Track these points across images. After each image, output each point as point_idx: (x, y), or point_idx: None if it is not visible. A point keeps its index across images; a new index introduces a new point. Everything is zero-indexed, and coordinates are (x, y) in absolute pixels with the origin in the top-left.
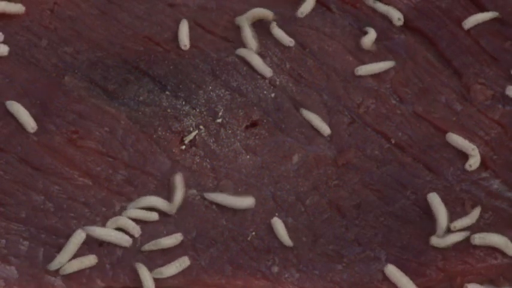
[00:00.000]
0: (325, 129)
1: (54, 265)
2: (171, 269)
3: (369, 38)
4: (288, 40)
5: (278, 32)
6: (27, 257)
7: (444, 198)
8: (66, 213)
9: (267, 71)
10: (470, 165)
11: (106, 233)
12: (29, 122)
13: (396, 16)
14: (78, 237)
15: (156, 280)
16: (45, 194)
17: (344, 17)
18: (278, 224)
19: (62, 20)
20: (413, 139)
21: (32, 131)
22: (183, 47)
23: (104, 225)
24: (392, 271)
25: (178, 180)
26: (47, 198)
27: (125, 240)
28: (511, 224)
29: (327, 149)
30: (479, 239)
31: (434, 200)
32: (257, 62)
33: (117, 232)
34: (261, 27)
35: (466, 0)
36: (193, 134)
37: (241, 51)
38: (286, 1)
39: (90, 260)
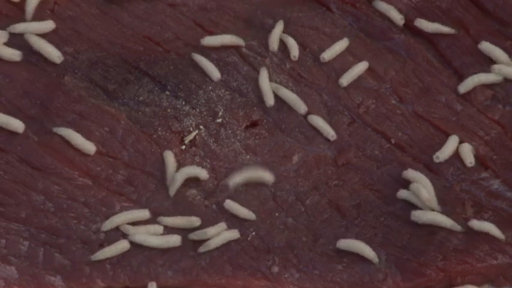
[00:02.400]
0: (330, 132)
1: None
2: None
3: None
4: (295, 51)
5: (290, 40)
6: (27, 257)
7: (444, 198)
8: (66, 213)
9: (215, 74)
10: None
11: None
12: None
13: (399, 16)
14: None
15: (156, 280)
16: (45, 194)
17: (344, 17)
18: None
19: (62, 20)
20: (413, 139)
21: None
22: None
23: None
24: (345, 243)
25: None
26: (47, 198)
27: (173, 241)
28: (511, 224)
29: (327, 149)
30: (417, 216)
31: (413, 174)
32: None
33: (163, 236)
34: (261, 27)
35: (466, 0)
36: (193, 134)
37: (196, 56)
38: (286, 1)
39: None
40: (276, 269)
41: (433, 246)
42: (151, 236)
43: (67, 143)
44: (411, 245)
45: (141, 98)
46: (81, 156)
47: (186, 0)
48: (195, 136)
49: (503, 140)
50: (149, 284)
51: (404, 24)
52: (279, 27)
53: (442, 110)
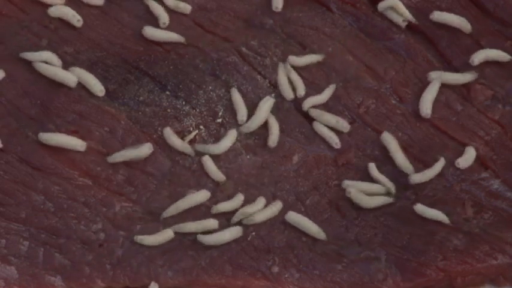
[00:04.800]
0: (335, 140)
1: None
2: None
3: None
4: (301, 90)
5: (295, 77)
6: (27, 257)
7: (444, 198)
8: (66, 213)
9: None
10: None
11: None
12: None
13: (400, 18)
14: None
15: (156, 280)
16: (45, 194)
17: (344, 17)
18: None
19: (62, 20)
20: (413, 139)
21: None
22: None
23: (104, 225)
24: (291, 216)
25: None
26: (47, 198)
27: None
28: (511, 224)
29: (327, 149)
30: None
31: (389, 139)
32: None
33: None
34: (261, 27)
35: (466, 0)
36: (193, 134)
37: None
38: (286, 1)
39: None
40: (276, 269)
41: (433, 246)
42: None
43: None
44: (411, 245)
45: (141, 98)
46: (81, 156)
47: (186, 0)
48: (195, 136)
49: (503, 140)
50: (151, 284)
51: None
52: (284, 67)
53: (442, 110)
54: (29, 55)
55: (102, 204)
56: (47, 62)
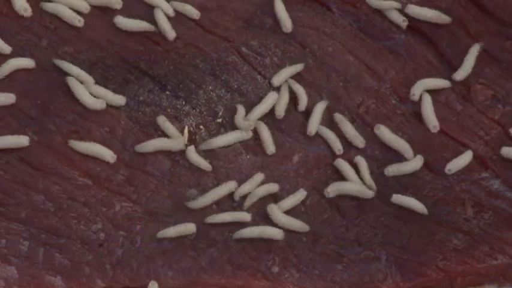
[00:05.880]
0: (338, 146)
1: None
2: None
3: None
4: (304, 103)
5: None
6: (27, 257)
7: (444, 198)
8: (66, 213)
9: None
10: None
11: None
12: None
13: (401, 19)
14: None
15: (156, 280)
16: (45, 194)
17: (344, 17)
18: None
19: (62, 20)
20: (413, 139)
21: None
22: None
23: (104, 225)
24: (273, 208)
25: None
26: (47, 198)
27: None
28: (511, 224)
29: (327, 149)
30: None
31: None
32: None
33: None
34: (261, 27)
35: (466, 0)
36: (193, 134)
37: None
38: (286, 1)
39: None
40: (276, 269)
41: (433, 246)
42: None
43: (67, 143)
44: (411, 245)
45: (141, 98)
46: (81, 156)
47: (186, 0)
48: (195, 136)
49: (503, 140)
50: (150, 283)
51: None
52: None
53: (442, 110)
54: (65, 65)
55: (102, 204)
56: (78, 78)
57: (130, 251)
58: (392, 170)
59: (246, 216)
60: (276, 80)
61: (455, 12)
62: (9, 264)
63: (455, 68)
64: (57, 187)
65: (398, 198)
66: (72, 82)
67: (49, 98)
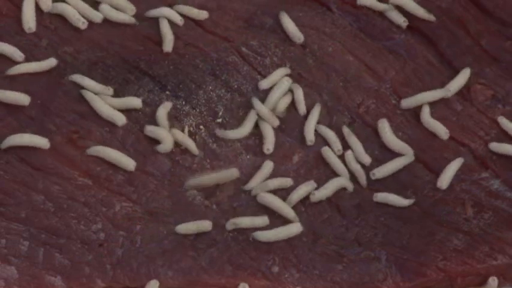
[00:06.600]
0: (338, 146)
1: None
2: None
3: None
4: (303, 109)
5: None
6: (27, 257)
7: (444, 198)
8: (66, 213)
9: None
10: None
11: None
12: None
13: (401, 19)
14: None
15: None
16: (45, 194)
17: (344, 17)
18: None
19: (62, 20)
20: (413, 139)
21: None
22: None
23: (104, 225)
24: (265, 197)
25: None
26: (47, 198)
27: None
28: (511, 224)
29: None
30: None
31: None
32: None
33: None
34: (261, 27)
35: (466, 0)
36: (194, 134)
37: None
38: (286, 1)
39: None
40: (276, 269)
41: (433, 246)
42: None
43: (67, 143)
44: (411, 245)
45: (141, 98)
46: (81, 156)
47: (186, 0)
48: (195, 136)
49: (503, 140)
50: (151, 282)
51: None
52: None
53: (442, 110)
54: (79, 79)
55: (102, 204)
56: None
57: (130, 251)
58: (378, 171)
59: (265, 221)
60: (265, 83)
61: (455, 12)
62: (9, 264)
63: (455, 68)
64: (57, 187)
65: (380, 196)
66: (89, 96)
67: (49, 98)
